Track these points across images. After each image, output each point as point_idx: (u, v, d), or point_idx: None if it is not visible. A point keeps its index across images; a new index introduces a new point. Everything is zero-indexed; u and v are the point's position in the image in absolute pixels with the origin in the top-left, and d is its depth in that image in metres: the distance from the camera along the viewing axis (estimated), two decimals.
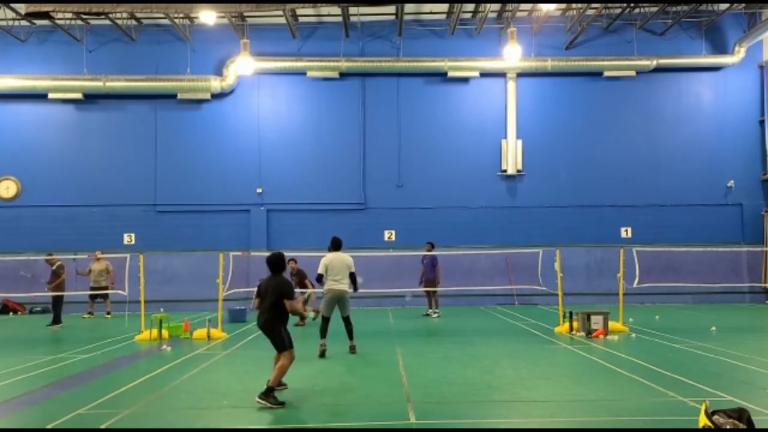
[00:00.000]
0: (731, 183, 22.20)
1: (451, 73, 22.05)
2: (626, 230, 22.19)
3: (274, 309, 7.90)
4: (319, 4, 16.80)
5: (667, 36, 22.36)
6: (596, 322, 13.01)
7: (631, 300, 18.24)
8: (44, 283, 17.16)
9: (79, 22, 21.47)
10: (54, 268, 16.91)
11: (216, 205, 22.09)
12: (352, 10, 21.08)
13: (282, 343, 7.95)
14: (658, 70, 22.18)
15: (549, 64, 22.04)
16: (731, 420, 5.42)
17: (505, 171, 22.24)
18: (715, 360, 10.20)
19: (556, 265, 14.47)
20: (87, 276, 19.17)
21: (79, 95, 21.89)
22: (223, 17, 20.58)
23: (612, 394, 7.82)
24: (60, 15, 19.41)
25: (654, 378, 8.62)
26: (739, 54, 22.00)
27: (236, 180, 22.07)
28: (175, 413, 7.24)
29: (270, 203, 22.08)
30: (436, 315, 17.64)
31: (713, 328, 14.33)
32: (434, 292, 17.79)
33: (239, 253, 17.65)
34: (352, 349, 11.34)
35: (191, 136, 22.27)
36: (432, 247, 17.93)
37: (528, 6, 21.26)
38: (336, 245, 11.50)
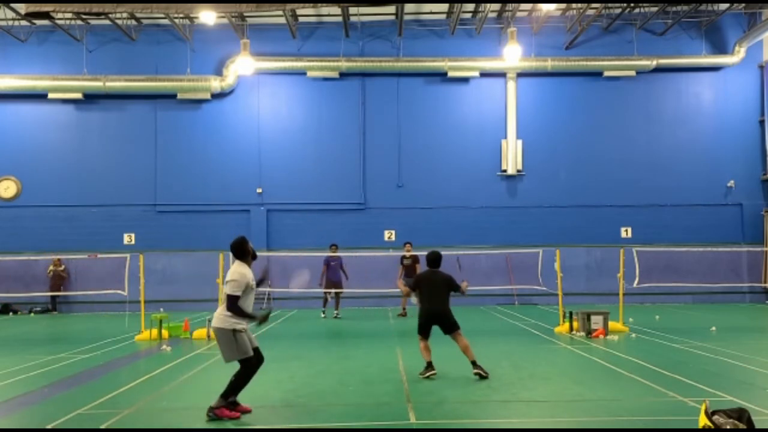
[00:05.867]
0: (731, 183, 22.19)
1: (451, 73, 22.03)
2: (626, 230, 22.17)
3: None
4: (319, 4, 16.81)
5: (667, 36, 22.35)
6: (596, 322, 13.01)
7: (631, 300, 18.21)
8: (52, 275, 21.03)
9: (79, 22, 21.46)
10: (61, 269, 20.95)
11: (216, 205, 22.08)
12: (352, 10, 21.06)
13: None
14: (658, 70, 22.16)
15: (549, 64, 22.03)
16: (731, 420, 5.43)
17: (505, 171, 22.23)
18: (715, 360, 10.19)
19: (556, 265, 14.45)
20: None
21: (79, 95, 21.87)
22: (223, 17, 20.57)
23: (612, 394, 7.82)
24: (60, 15, 19.41)
25: (654, 378, 8.62)
26: (739, 54, 21.98)
27: (236, 180, 22.06)
28: (175, 413, 7.24)
29: (270, 203, 22.06)
30: (337, 315, 17.81)
31: (713, 328, 14.32)
32: (340, 293, 17.95)
33: None
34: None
35: (191, 136, 22.24)
36: (337, 248, 18.12)
37: (528, 6, 21.25)
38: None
